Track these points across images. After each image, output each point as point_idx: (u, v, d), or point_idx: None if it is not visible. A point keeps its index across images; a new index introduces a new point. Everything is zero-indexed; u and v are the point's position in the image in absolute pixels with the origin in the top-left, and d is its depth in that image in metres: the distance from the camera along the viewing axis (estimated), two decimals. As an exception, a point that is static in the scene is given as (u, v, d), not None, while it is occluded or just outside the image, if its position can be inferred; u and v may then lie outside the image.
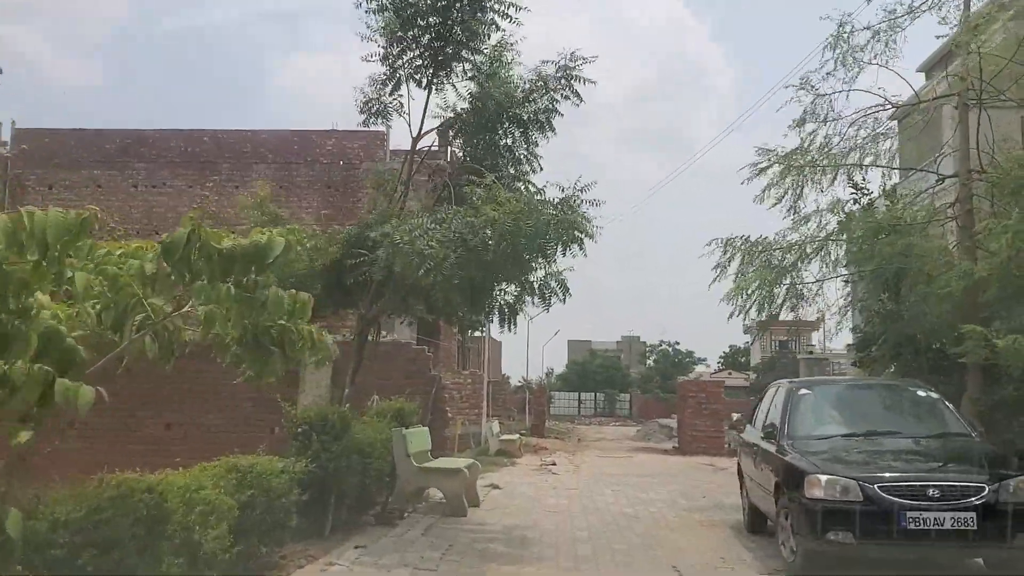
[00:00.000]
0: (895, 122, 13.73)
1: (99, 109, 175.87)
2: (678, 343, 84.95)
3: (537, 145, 12.17)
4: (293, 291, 4.72)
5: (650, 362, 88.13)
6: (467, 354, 37.79)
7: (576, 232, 9.96)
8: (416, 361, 17.17)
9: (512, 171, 12.03)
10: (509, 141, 12.04)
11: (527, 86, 11.73)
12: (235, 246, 4.31)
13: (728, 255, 13.04)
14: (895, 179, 13.89)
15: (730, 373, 75.47)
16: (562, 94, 11.67)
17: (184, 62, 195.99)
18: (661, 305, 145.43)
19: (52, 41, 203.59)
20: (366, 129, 21.49)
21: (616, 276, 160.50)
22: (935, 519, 7.55)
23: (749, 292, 12.60)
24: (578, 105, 11.15)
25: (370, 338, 12.54)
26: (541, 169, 12.41)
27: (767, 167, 13.02)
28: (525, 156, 12.15)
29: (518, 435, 24.96)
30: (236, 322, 4.57)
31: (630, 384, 77.80)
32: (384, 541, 9.68)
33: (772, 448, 9.42)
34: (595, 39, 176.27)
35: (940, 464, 8.57)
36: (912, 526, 7.54)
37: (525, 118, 11.80)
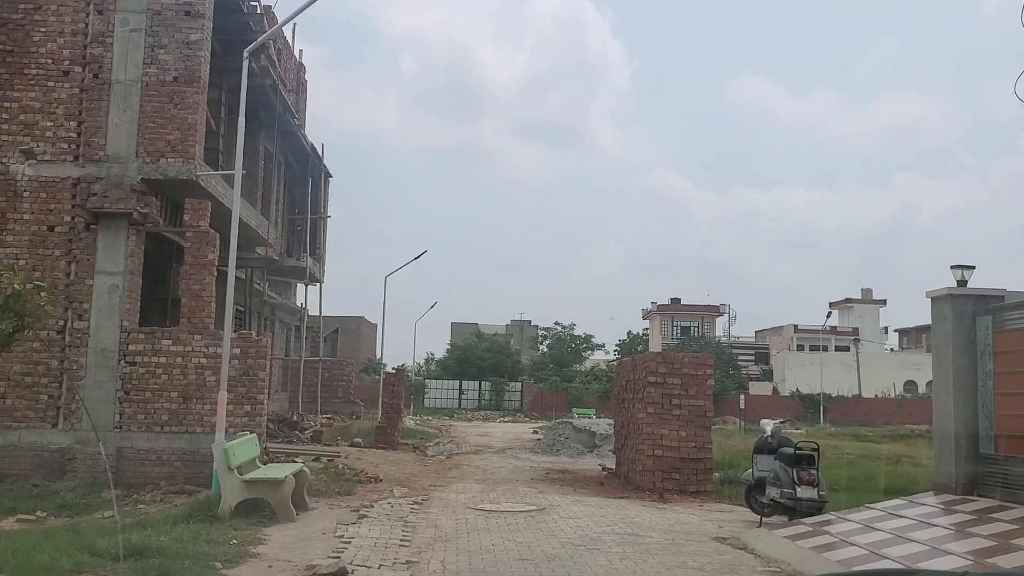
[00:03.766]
0: None
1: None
2: (574, 325, 72.82)
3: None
4: None
5: (543, 347, 75.84)
6: (266, 321, 24.30)
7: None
8: None
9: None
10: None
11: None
12: None
13: None
14: None
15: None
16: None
17: None
18: (555, 289, 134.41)
19: None
20: None
21: (508, 257, 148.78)
22: None
23: None
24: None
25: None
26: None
27: None
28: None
29: (296, 468, 11.32)
30: None
31: (521, 371, 65.24)
32: None
33: None
34: (490, 28, 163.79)
35: None
36: None
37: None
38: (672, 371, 14.14)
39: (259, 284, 22.05)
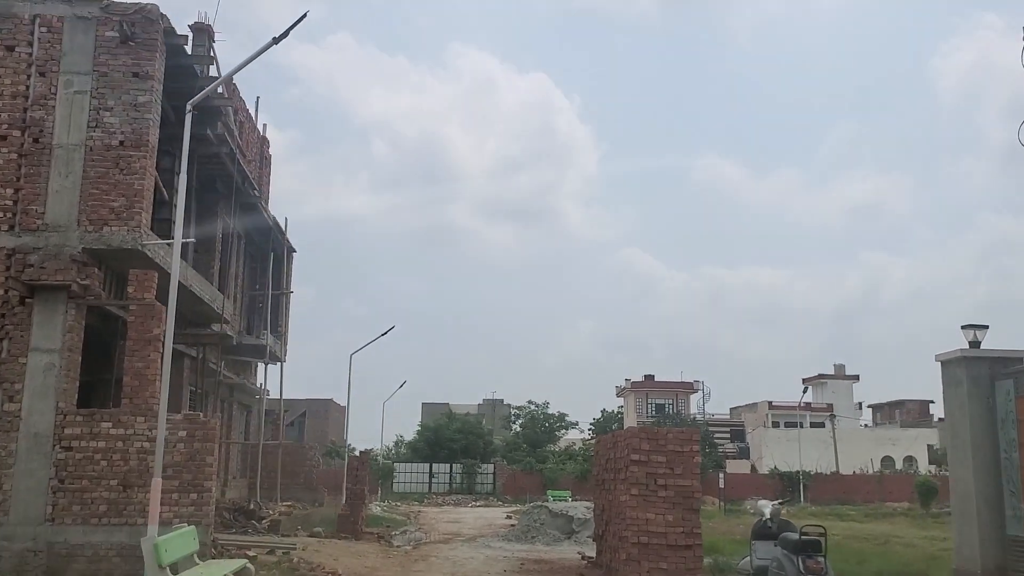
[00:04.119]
0: None
1: None
2: (548, 404, 71.32)
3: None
4: None
5: (516, 427, 74.18)
6: (223, 403, 22.94)
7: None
8: None
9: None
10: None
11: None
12: None
13: None
14: None
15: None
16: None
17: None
18: (526, 367, 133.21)
19: None
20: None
21: (479, 337, 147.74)
22: None
23: None
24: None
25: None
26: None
27: None
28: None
29: (239, 565, 9.94)
30: None
31: (494, 452, 63.48)
32: None
33: None
34: (460, 113, 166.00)
35: None
36: None
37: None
38: (656, 448, 13.05)
39: (214, 363, 20.84)
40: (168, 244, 14.66)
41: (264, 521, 20.11)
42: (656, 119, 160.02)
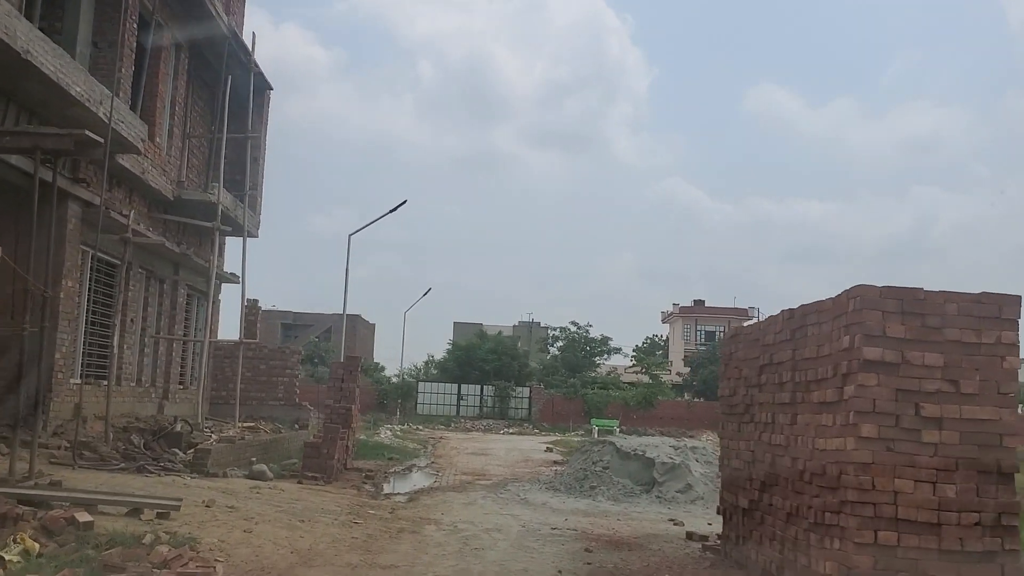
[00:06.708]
0: None
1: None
2: (590, 326, 63.93)
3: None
4: None
5: (554, 350, 67.18)
6: (163, 284, 15.79)
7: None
8: None
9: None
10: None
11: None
12: None
13: None
14: None
15: (646, 369, 56.76)
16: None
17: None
18: (564, 296, 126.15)
19: None
20: None
21: (517, 264, 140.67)
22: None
23: None
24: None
25: None
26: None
27: None
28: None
29: None
30: None
31: (529, 376, 56.74)
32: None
33: None
34: (508, 34, 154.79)
35: None
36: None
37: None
38: (921, 333, 5.76)
39: (125, 215, 13.79)
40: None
41: (191, 451, 13.34)
42: (711, 42, 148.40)
